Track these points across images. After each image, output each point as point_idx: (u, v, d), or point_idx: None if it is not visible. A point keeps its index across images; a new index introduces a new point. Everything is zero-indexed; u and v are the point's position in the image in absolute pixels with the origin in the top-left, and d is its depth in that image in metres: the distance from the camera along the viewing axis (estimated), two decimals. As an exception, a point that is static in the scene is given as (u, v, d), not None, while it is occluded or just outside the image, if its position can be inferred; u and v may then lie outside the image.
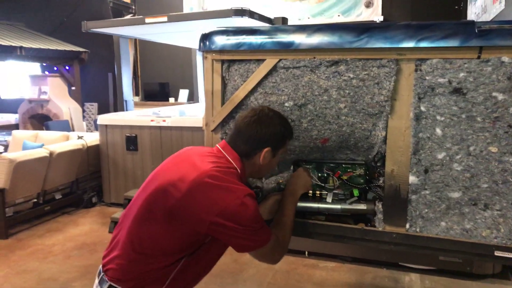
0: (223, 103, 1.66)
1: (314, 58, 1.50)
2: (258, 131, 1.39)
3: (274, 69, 1.55)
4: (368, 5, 6.30)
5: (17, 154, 4.22)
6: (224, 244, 1.37)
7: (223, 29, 1.61)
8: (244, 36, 1.55)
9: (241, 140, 1.41)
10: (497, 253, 1.41)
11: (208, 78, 1.66)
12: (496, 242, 1.41)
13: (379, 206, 1.54)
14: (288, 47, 1.51)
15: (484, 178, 1.39)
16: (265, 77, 1.56)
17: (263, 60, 1.56)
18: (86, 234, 4.22)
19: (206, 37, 1.62)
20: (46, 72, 8.65)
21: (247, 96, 1.60)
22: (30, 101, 8.15)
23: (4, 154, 4.20)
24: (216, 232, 1.27)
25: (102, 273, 1.39)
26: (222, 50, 1.60)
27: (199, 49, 1.66)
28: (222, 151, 1.42)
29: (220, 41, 1.59)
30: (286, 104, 1.55)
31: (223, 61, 1.63)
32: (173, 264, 1.32)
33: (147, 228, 1.32)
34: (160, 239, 1.30)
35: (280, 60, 1.54)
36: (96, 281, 1.40)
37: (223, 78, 1.65)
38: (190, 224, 1.27)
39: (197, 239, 1.32)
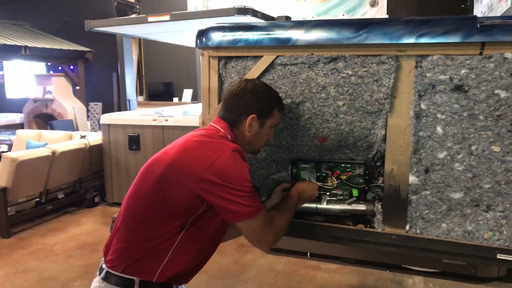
0: (219, 100, 1.63)
1: (312, 54, 1.46)
2: (241, 97, 1.38)
3: (271, 66, 1.52)
4: (373, 4, 6.25)
5: (19, 153, 4.23)
6: (222, 220, 1.33)
7: (220, 26, 1.58)
8: (240, 33, 1.52)
9: (227, 108, 1.41)
10: (500, 256, 1.36)
11: (204, 75, 1.63)
12: (498, 245, 1.37)
13: (378, 206, 1.50)
14: (285, 43, 1.48)
15: (486, 179, 1.35)
16: (262, 74, 1.53)
17: (260, 56, 1.53)
18: (87, 234, 4.21)
19: (202, 34, 1.59)
20: (51, 72, 8.68)
21: (243, 94, 1.56)
22: (35, 100, 8.18)
23: (6, 153, 4.21)
24: (207, 193, 1.24)
25: (102, 263, 1.38)
26: (219, 47, 1.57)
27: (196, 46, 1.63)
28: (214, 124, 1.43)
29: (217, 37, 1.56)
30: (284, 102, 1.52)
31: (219, 58, 1.60)
32: (170, 239, 1.29)
33: (141, 198, 1.33)
34: (153, 206, 1.30)
35: (278, 56, 1.51)
36: (97, 271, 1.39)
37: (220, 75, 1.62)
38: (182, 185, 1.25)
39: (191, 204, 1.27)
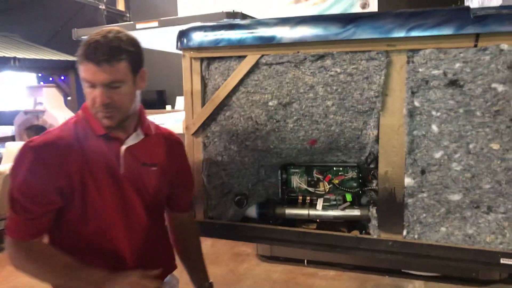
0: (203, 104, 1.55)
1: (298, 52, 1.39)
2: None
3: (256, 66, 1.45)
4: (364, 6, 6.22)
5: (7, 167, 4.12)
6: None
7: (201, 25, 1.51)
8: (222, 32, 1.45)
9: None
10: (504, 261, 1.28)
11: (187, 78, 1.55)
12: (501, 249, 1.29)
13: (373, 211, 1.42)
14: (270, 42, 1.41)
15: (486, 178, 1.28)
16: (247, 74, 1.46)
17: (244, 56, 1.45)
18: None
19: (183, 34, 1.52)
20: (42, 83, 8.60)
21: (228, 96, 1.49)
22: (26, 112, 8.06)
23: (-7, 166, 4.11)
24: None
25: None
26: (200, 47, 1.50)
27: (177, 48, 1.56)
28: None
29: (198, 37, 1.49)
30: (270, 103, 1.44)
31: (202, 59, 1.52)
32: None
33: None
34: None
35: (262, 56, 1.43)
36: None
37: (202, 78, 1.54)
38: None
39: None
